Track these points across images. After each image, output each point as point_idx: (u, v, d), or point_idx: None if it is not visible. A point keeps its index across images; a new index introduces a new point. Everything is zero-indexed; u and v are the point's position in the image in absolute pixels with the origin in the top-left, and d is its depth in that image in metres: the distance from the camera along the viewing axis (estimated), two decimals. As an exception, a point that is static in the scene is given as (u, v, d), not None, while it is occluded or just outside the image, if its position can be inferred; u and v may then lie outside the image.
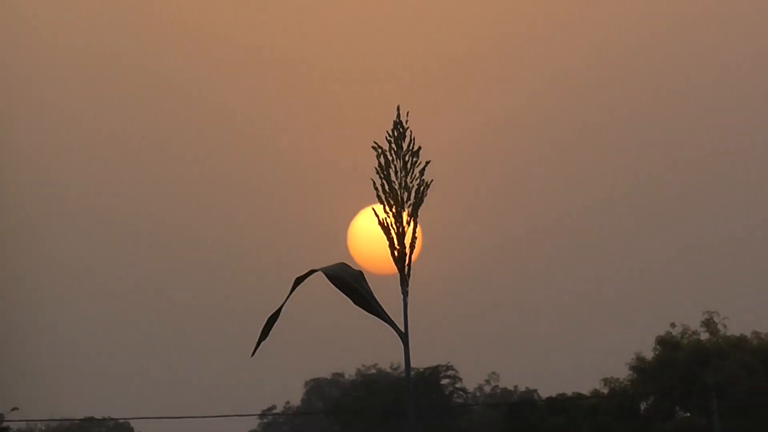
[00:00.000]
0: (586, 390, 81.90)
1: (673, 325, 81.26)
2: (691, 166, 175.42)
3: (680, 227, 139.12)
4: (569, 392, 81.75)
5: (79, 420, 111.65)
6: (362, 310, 8.34)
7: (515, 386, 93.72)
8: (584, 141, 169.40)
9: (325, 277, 8.45)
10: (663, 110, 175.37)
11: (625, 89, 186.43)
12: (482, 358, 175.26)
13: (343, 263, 8.59)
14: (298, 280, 8.30)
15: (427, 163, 8.42)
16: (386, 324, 8.09)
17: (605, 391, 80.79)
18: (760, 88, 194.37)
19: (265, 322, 8.19)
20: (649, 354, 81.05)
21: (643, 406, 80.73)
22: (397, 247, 8.22)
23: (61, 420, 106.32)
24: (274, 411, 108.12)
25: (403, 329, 7.87)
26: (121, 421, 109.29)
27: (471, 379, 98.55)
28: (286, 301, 8.23)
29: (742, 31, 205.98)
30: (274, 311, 8.17)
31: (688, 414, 78.52)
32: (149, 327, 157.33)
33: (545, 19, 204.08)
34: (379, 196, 8.47)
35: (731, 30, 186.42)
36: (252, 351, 8.43)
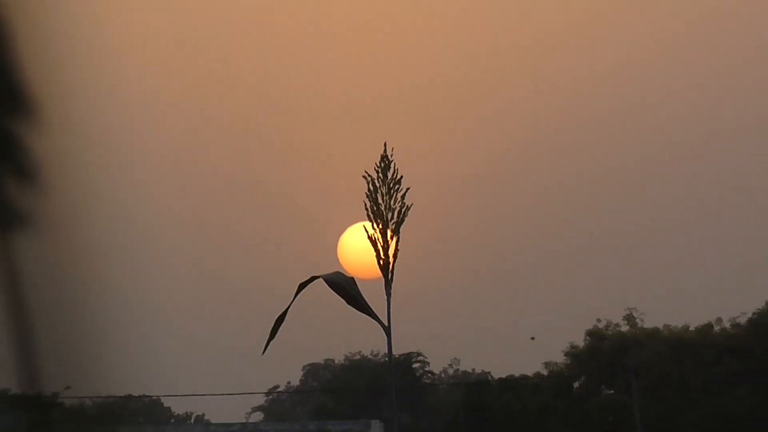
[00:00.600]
0: (530, 372, 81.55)
1: (599, 320, 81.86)
2: (611, 173, 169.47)
3: (607, 235, 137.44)
4: (517, 374, 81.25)
5: (121, 397, 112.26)
6: (353, 308, 9.05)
7: (473, 369, 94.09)
8: (511, 174, 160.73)
9: (324, 282, 9.00)
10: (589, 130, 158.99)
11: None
12: (447, 347, 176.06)
13: (338, 271, 9.00)
14: (302, 285, 9.13)
15: (407, 189, 8.98)
16: (371, 319, 8.91)
17: (545, 372, 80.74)
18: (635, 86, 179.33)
19: (273, 324, 9.08)
20: (580, 343, 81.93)
21: (575, 385, 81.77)
22: (383, 258, 9.01)
23: (106, 397, 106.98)
24: (278, 389, 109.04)
25: (386, 323, 8.92)
26: (154, 398, 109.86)
27: (437, 364, 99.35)
28: (291, 303, 8.90)
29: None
30: (280, 314, 9.05)
31: (612, 392, 79.41)
32: (181, 317, 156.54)
33: (517, 63, 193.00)
34: (368, 216, 9.14)
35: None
36: (263, 350, 9.08)
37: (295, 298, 8.80)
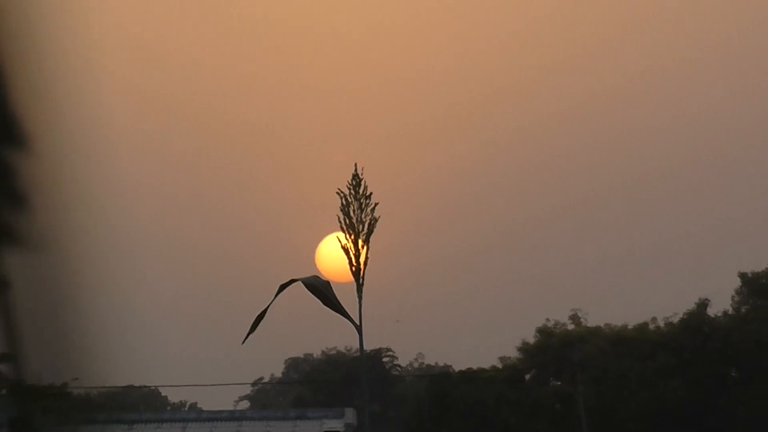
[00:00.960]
0: (487, 365, 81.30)
1: (548, 319, 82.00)
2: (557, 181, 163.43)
3: (555, 244, 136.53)
4: (475, 367, 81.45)
5: (123, 387, 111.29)
6: (328, 308, 9.11)
7: (436, 363, 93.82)
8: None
9: (302, 285, 9.05)
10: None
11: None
12: (412, 343, 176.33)
13: (315, 275, 9.11)
14: (282, 287, 9.12)
15: (376, 204, 8.97)
16: (345, 318, 9.02)
17: (500, 366, 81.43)
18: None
19: (254, 319, 9.02)
20: (531, 339, 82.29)
21: (527, 377, 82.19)
22: (354, 264, 9.07)
23: (110, 387, 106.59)
24: (263, 381, 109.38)
25: (358, 322, 8.99)
26: (152, 388, 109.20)
27: (404, 358, 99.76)
28: (271, 302, 8.88)
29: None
30: (261, 311, 9.01)
31: (559, 383, 79.80)
32: (175, 315, 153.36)
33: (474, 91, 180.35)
34: (342, 228, 9.18)
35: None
36: (243, 340, 8.98)
37: (275, 298, 8.81)
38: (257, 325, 8.74)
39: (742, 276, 79.52)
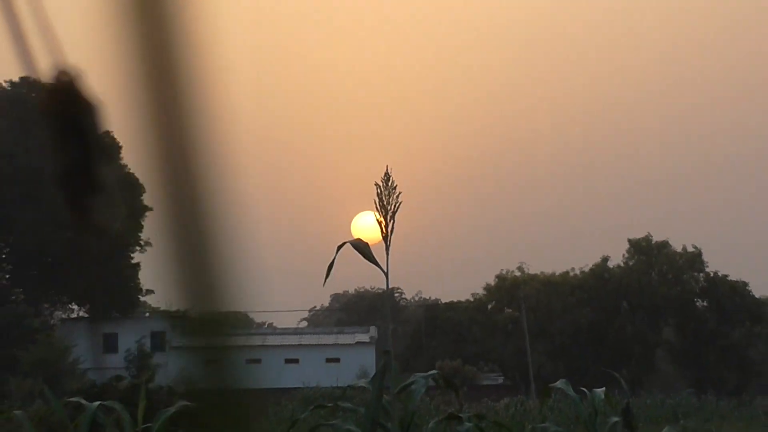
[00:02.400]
0: (463, 299, 79.89)
1: (502, 269, 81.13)
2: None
3: (506, 209, 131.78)
4: (455, 300, 79.96)
5: (229, 312, 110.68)
6: (366, 260, 8.59)
7: (430, 297, 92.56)
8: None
9: (350, 246, 8.53)
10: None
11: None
12: (415, 283, 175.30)
13: (359, 239, 8.65)
14: (339, 246, 8.67)
15: (400, 193, 8.31)
16: (376, 267, 8.46)
17: (472, 299, 78.88)
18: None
19: (327, 269, 8.52)
20: (492, 282, 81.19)
21: (489, 306, 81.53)
22: (384, 232, 8.46)
23: (220, 312, 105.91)
24: (316, 308, 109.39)
25: (385, 269, 8.42)
26: (245, 312, 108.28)
27: (409, 293, 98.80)
28: (334, 258, 8.43)
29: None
30: (329, 263, 8.50)
31: (510, 310, 79.71)
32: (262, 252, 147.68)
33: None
34: (376, 207, 8.57)
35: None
36: (323, 282, 8.36)
37: (336, 255, 8.30)
38: (329, 273, 8.22)
39: (630, 240, 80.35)
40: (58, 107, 0.62)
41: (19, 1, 0.62)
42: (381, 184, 8.11)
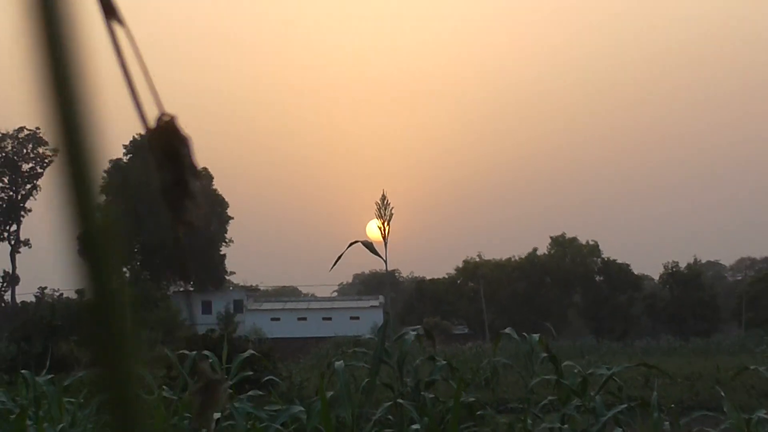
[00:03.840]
0: (442, 276, 77.18)
1: (468, 256, 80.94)
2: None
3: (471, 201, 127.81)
4: (435, 277, 77.29)
5: (280, 286, 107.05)
6: (371, 252, 8.19)
7: (419, 275, 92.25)
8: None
9: (360, 243, 8.12)
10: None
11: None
12: (408, 265, 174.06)
13: (367, 239, 8.24)
14: (350, 244, 8.20)
15: (392, 207, 7.92)
16: (380, 258, 8.10)
17: (447, 277, 76.30)
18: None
19: (336, 258, 8.05)
20: (460, 265, 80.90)
21: (458, 282, 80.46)
22: (383, 235, 8.11)
23: (275, 286, 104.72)
24: (343, 283, 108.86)
25: (385, 258, 8.00)
26: (293, 286, 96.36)
27: (405, 272, 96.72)
28: (344, 252, 8.00)
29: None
30: (338, 255, 8.00)
31: (472, 284, 78.89)
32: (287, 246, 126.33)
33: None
34: (377, 216, 8.26)
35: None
36: (330, 268, 7.83)
37: (346, 249, 7.81)
38: (337, 262, 7.70)
39: (551, 237, 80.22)
40: (162, 140, 0.62)
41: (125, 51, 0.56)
42: (379, 202, 7.87)
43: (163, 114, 0.63)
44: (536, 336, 7.59)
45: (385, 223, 7.95)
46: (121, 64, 0.57)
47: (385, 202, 7.97)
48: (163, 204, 0.64)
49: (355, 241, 7.71)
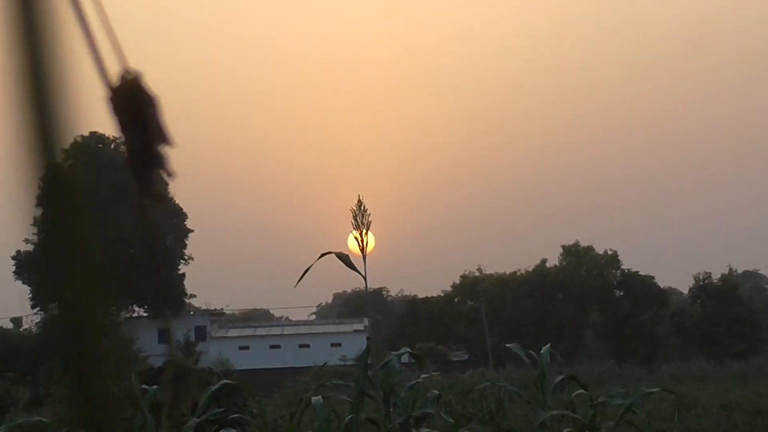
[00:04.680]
0: (435, 294, 78.76)
1: (465, 270, 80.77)
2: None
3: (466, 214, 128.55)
4: (429, 295, 78.43)
5: (250, 309, 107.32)
6: (348, 267, 8.13)
7: (410, 293, 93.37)
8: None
9: (334, 255, 7.96)
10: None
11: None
12: (397, 283, 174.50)
13: (341, 251, 8.13)
14: (321, 255, 8.08)
15: (370, 214, 7.85)
16: (358, 273, 8.05)
17: (443, 294, 77.80)
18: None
19: (302, 273, 7.84)
20: (458, 280, 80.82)
21: (456, 299, 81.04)
22: (361, 246, 8.14)
23: (243, 309, 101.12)
24: (321, 304, 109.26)
25: (363, 274, 8.05)
26: (265, 309, 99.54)
27: (393, 290, 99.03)
28: (312, 264, 7.81)
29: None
30: (306, 268, 7.86)
31: (472, 303, 79.23)
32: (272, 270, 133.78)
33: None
34: (354, 227, 8.30)
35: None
36: (295, 284, 7.63)
37: (316, 261, 7.69)
38: (303, 276, 7.63)
39: (563, 246, 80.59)
40: (126, 101, 0.61)
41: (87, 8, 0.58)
42: (355, 209, 7.86)
43: (126, 71, 0.62)
44: (547, 350, 7.42)
45: (363, 233, 7.75)
46: (78, 12, 0.58)
47: (362, 208, 7.77)
48: (129, 174, 0.65)
49: (327, 252, 7.46)
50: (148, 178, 0.65)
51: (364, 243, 7.81)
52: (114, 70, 0.61)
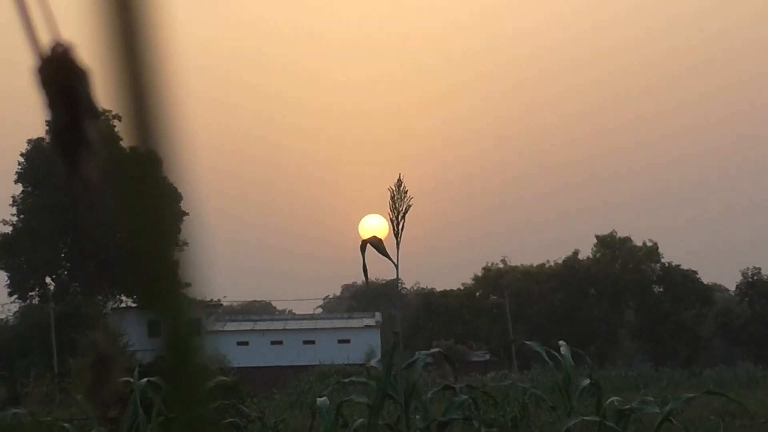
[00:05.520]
0: (455, 287, 79.26)
1: (488, 262, 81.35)
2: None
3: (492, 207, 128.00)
4: (448, 288, 79.11)
5: (250, 301, 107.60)
6: (380, 254, 8.37)
7: (426, 286, 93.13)
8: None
9: (368, 243, 8.19)
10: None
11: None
12: (414, 274, 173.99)
13: (375, 236, 8.29)
14: (362, 248, 8.00)
15: (411, 197, 8.04)
16: (381, 260, 8.25)
17: (462, 288, 78.50)
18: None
19: (363, 270, 8.32)
20: (480, 273, 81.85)
21: (477, 294, 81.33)
22: (396, 230, 8.15)
23: (243, 301, 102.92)
24: (329, 297, 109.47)
25: (396, 262, 8.15)
26: (267, 302, 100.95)
27: (409, 283, 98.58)
28: (364, 259, 8.13)
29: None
30: (363, 265, 8.19)
31: (495, 297, 79.07)
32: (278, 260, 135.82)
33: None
34: (390, 208, 8.28)
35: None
36: (366, 281, 8.25)
37: (364, 256, 7.94)
38: (366, 273, 7.97)
39: (597, 236, 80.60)
40: (55, 73, 0.62)
41: None
42: (394, 189, 7.96)
43: (58, 42, 0.63)
44: (568, 352, 7.48)
45: (400, 216, 7.91)
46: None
47: (401, 188, 7.94)
48: (55, 153, 0.66)
49: (366, 242, 7.75)
50: (75, 158, 0.66)
51: (400, 227, 7.89)
52: (45, 41, 0.62)
